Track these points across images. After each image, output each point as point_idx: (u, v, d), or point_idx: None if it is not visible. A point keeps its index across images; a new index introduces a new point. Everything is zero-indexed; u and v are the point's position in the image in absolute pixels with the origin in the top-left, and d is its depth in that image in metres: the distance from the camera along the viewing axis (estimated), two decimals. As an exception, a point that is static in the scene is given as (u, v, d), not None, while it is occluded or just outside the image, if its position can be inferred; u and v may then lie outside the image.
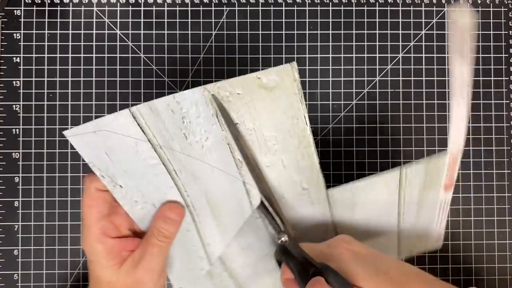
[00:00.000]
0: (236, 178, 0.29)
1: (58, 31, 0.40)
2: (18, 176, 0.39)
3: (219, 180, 0.29)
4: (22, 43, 0.40)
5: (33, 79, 0.40)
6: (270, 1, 0.41)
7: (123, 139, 0.28)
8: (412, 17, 0.41)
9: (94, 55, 0.40)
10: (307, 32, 0.41)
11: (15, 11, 0.40)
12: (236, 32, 0.40)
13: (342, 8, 0.41)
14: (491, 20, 0.41)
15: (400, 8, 0.41)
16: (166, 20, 0.40)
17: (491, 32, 0.41)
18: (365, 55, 0.41)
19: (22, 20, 0.40)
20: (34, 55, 0.40)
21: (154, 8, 0.40)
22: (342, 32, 0.41)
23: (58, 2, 0.40)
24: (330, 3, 0.41)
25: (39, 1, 0.40)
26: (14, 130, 0.40)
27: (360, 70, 0.41)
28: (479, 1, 0.41)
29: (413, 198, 0.33)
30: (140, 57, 0.40)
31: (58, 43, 0.40)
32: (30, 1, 0.40)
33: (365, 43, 0.41)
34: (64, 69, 0.40)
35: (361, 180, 0.32)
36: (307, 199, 0.32)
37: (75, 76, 0.40)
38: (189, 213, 0.31)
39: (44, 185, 0.40)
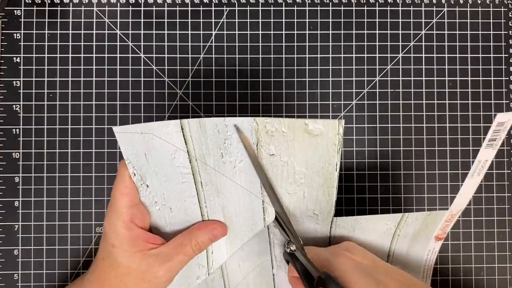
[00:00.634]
0: (257, 197, 0.31)
1: (58, 31, 0.40)
2: (18, 176, 0.40)
3: (240, 197, 0.32)
4: (22, 43, 0.40)
5: (33, 79, 0.40)
6: (270, 1, 0.41)
7: (165, 145, 0.30)
8: (412, 17, 0.41)
9: (94, 55, 0.40)
10: (307, 32, 0.41)
11: (15, 11, 0.40)
12: (236, 32, 0.41)
13: (342, 8, 0.41)
14: (491, 20, 0.41)
15: (400, 8, 0.41)
16: (166, 20, 0.40)
17: (491, 32, 0.41)
18: (365, 55, 0.41)
19: (22, 20, 0.40)
20: (34, 55, 0.40)
21: (154, 8, 0.40)
22: (342, 32, 0.41)
23: (58, 2, 0.40)
24: (330, 3, 0.41)
25: (39, 1, 0.40)
26: (14, 130, 0.40)
27: (360, 70, 0.41)
28: (479, 1, 0.41)
29: (406, 237, 0.35)
30: (140, 57, 0.40)
31: (58, 43, 0.40)
32: (30, 1, 0.40)
33: (365, 43, 0.41)
34: (64, 69, 0.40)
35: (365, 216, 0.34)
36: (314, 220, 0.34)
37: (75, 76, 0.40)
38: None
39: (44, 185, 0.40)
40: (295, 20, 0.41)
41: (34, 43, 0.40)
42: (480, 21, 0.41)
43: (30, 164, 0.39)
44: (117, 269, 0.30)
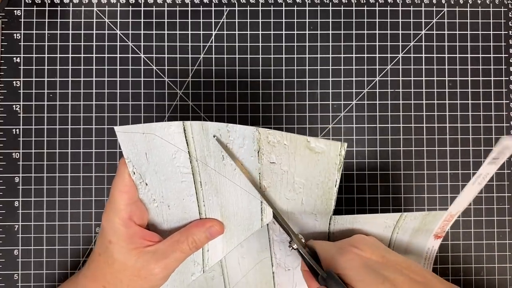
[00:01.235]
0: (256, 198, 0.32)
1: (58, 31, 0.40)
2: (18, 176, 0.40)
3: (239, 197, 0.32)
4: (22, 43, 0.40)
5: (33, 79, 0.40)
6: (270, 1, 0.41)
7: (166, 145, 0.30)
8: (412, 17, 0.41)
9: (94, 55, 0.40)
10: (307, 32, 0.41)
11: (15, 11, 0.40)
12: (236, 32, 0.41)
13: (342, 8, 0.41)
14: (491, 20, 0.41)
15: (400, 8, 0.41)
16: (166, 20, 0.40)
17: (491, 32, 0.41)
18: (365, 55, 0.41)
19: (22, 20, 0.40)
20: (34, 55, 0.40)
21: (154, 9, 0.40)
22: (342, 32, 0.41)
23: (58, 2, 0.40)
24: (330, 3, 0.41)
25: (39, 1, 0.40)
26: (14, 130, 0.40)
27: (360, 70, 0.41)
28: (479, 1, 0.41)
29: (405, 235, 0.35)
30: (140, 57, 0.40)
31: (58, 43, 0.40)
32: (30, 1, 0.40)
33: (365, 43, 0.41)
34: (64, 69, 0.40)
35: (363, 215, 0.34)
36: (313, 218, 0.34)
37: (75, 76, 0.40)
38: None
39: (44, 185, 0.40)
40: (295, 20, 0.41)
41: (34, 43, 0.40)
42: (480, 21, 0.41)
43: (30, 164, 0.39)
44: (113, 265, 0.30)
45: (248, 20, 0.41)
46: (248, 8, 0.41)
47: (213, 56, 0.40)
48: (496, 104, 0.41)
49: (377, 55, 0.41)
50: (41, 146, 0.40)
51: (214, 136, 0.30)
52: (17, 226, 0.39)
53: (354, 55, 0.41)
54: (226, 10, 0.41)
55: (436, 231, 0.34)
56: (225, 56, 0.40)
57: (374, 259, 0.29)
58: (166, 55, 0.40)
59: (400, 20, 0.41)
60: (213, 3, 0.41)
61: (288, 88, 0.41)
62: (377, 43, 0.41)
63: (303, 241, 0.32)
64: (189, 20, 0.40)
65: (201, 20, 0.41)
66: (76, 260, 0.40)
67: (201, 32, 0.40)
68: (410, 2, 0.41)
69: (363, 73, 0.41)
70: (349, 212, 0.40)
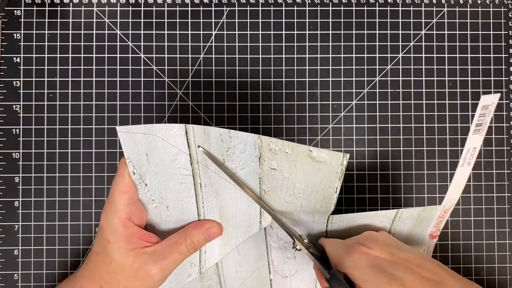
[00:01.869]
0: (255, 201, 0.32)
1: (58, 31, 0.40)
2: (18, 176, 0.40)
3: (238, 199, 0.32)
4: (22, 43, 0.40)
5: (33, 79, 0.40)
6: (270, 1, 0.41)
7: (168, 147, 0.30)
8: (412, 17, 0.41)
9: (94, 55, 0.40)
10: (307, 32, 0.41)
11: (15, 11, 0.40)
12: (236, 32, 0.41)
13: (342, 8, 0.41)
14: (491, 20, 0.41)
15: (400, 8, 0.41)
16: (166, 20, 0.40)
17: (491, 32, 0.41)
18: (365, 55, 0.41)
19: (22, 20, 0.40)
20: (34, 55, 0.40)
21: (154, 8, 0.40)
22: (342, 32, 0.41)
23: (58, 2, 0.40)
24: (330, 3, 0.41)
25: (39, 1, 0.40)
26: (14, 130, 0.40)
27: (360, 70, 0.41)
28: (479, 1, 0.41)
29: (401, 235, 0.35)
30: (140, 57, 0.40)
31: (58, 43, 0.40)
32: (30, 1, 0.40)
33: (365, 43, 0.41)
34: (64, 69, 0.40)
35: (360, 213, 0.34)
36: (311, 219, 0.34)
37: (75, 76, 0.40)
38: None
39: (44, 185, 0.40)
40: (295, 20, 0.41)
41: (34, 43, 0.40)
42: (480, 21, 0.41)
43: (30, 164, 0.39)
44: (110, 265, 0.30)
45: (248, 20, 0.41)
46: (248, 8, 0.41)
47: (213, 56, 0.40)
48: (496, 104, 0.41)
49: (377, 55, 0.41)
50: (41, 146, 0.40)
51: (198, 147, 0.30)
52: (17, 226, 0.39)
53: (354, 55, 0.41)
54: (226, 10, 0.41)
55: (431, 229, 0.34)
56: (225, 56, 0.40)
57: (382, 257, 0.28)
58: (166, 55, 0.40)
59: (400, 20, 0.41)
60: (213, 3, 0.41)
61: (288, 88, 0.41)
62: (377, 43, 0.41)
63: (306, 241, 0.32)
64: (189, 20, 0.40)
65: (201, 20, 0.41)
66: (76, 260, 0.40)
67: (201, 32, 0.40)
68: (410, 2, 0.41)
69: (363, 73, 0.41)
70: (349, 212, 0.40)
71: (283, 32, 0.41)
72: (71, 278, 0.33)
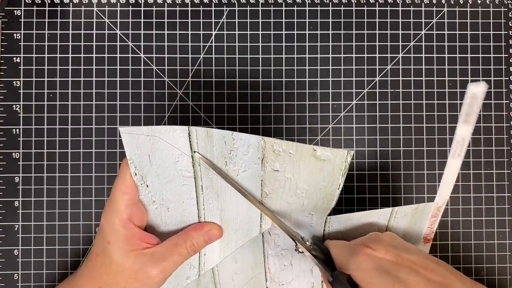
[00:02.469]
0: (256, 207, 0.32)
1: (58, 31, 0.40)
2: (18, 176, 0.40)
3: (239, 202, 0.32)
4: (22, 43, 0.40)
5: (33, 79, 0.40)
6: (270, 1, 0.41)
7: (170, 149, 0.30)
8: (412, 17, 0.41)
9: (94, 55, 0.40)
10: (307, 32, 0.41)
11: (15, 11, 0.40)
12: (236, 32, 0.41)
13: (342, 8, 0.41)
14: (491, 20, 0.41)
15: (400, 8, 0.41)
16: (166, 20, 0.40)
17: (491, 32, 0.41)
18: (365, 55, 0.41)
19: (22, 20, 0.40)
20: (34, 55, 0.40)
21: (154, 8, 0.40)
22: (342, 32, 0.41)
23: (58, 2, 0.40)
24: (330, 3, 0.41)
25: (39, 1, 0.40)
26: (14, 130, 0.40)
27: (360, 70, 0.41)
28: (479, 1, 0.41)
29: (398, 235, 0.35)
30: (140, 57, 0.40)
31: (58, 43, 0.40)
32: (30, 1, 0.40)
33: (365, 43, 0.41)
34: (64, 69, 0.40)
35: (357, 213, 0.34)
36: (309, 222, 0.34)
37: (75, 76, 0.40)
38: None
39: (44, 185, 0.40)
40: (295, 20, 0.41)
41: (34, 43, 0.40)
42: (480, 21, 0.41)
43: (30, 164, 0.39)
44: (110, 266, 0.30)
45: (248, 20, 0.41)
46: (248, 8, 0.41)
47: (213, 56, 0.40)
48: (496, 104, 0.41)
49: (377, 55, 0.41)
50: (41, 146, 0.40)
51: (194, 152, 0.30)
52: (17, 226, 0.39)
53: (354, 55, 0.41)
54: (226, 10, 0.41)
55: (426, 231, 0.34)
56: (225, 56, 0.40)
57: (387, 259, 0.28)
58: (166, 55, 0.40)
59: (400, 20, 0.41)
60: (213, 3, 0.41)
61: (288, 88, 0.41)
62: (377, 43, 0.41)
63: (308, 244, 0.32)
64: (189, 20, 0.40)
65: (201, 20, 0.41)
66: (76, 260, 0.40)
67: (201, 32, 0.40)
68: (410, 2, 0.41)
69: (363, 73, 0.41)
70: (349, 212, 0.40)
71: (283, 32, 0.41)
72: (70, 279, 0.33)
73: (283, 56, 0.41)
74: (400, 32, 0.41)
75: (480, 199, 0.41)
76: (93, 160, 0.40)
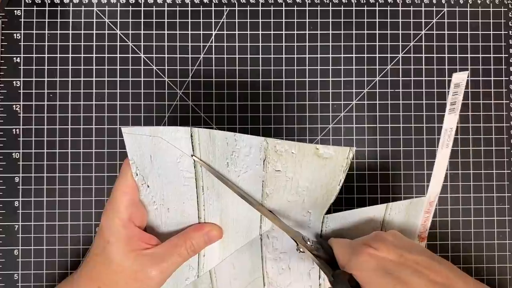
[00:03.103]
0: (256, 209, 0.32)
1: (58, 31, 0.40)
2: (18, 176, 0.40)
3: (240, 203, 0.32)
4: (22, 43, 0.40)
5: (33, 79, 0.40)
6: (270, 1, 0.41)
7: (172, 149, 0.30)
8: (412, 17, 0.41)
9: (94, 55, 0.40)
10: (307, 32, 0.41)
11: (15, 11, 0.40)
12: (236, 32, 0.41)
13: (342, 8, 0.41)
14: (491, 20, 0.41)
15: (400, 8, 0.41)
16: (166, 20, 0.40)
17: (491, 32, 0.41)
18: (365, 55, 0.41)
19: (23, 20, 0.40)
20: (34, 55, 0.40)
21: (154, 8, 0.40)
22: (342, 32, 0.41)
23: (58, 2, 0.40)
24: (330, 3, 0.41)
25: (39, 1, 0.40)
26: (14, 130, 0.40)
27: (360, 70, 0.41)
28: (479, 1, 0.41)
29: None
30: (140, 57, 0.40)
31: (58, 43, 0.40)
32: (30, 1, 0.40)
33: (365, 43, 0.41)
34: (64, 69, 0.40)
35: (352, 210, 0.34)
36: (307, 221, 0.34)
37: (75, 76, 0.40)
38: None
39: (44, 185, 0.40)
40: (295, 20, 0.41)
41: (34, 43, 0.40)
42: (480, 21, 0.41)
43: (30, 164, 0.39)
44: (110, 266, 0.30)
45: (248, 20, 0.41)
46: (248, 8, 0.41)
47: (213, 56, 0.40)
48: (496, 104, 0.41)
49: (377, 55, 0.41)
50: (41, 146, 0.40)
51: (191, 155, 0.30)
52: (17, 226, 0.39)
53: (354, 55, 0.41)
54: (226, 10, 0.41)
55: (420, 229, 0.34)
56: (225, 56, 0.40)
57: (390, 259, 0.28)
58: (166, 55, 0.40)
59: (400, 20, 0.41)
60: (213, 3, 0.41)
61: (288, 88, 0.41)
62: (377, 43, 0.41)
63: (309, 243, 0.31)
64: (189, 20, 0.40)
65: (201, 20, 0.41)
66: (76, 260, 0.40)
67: (201, 32, 0.40)
68: (410, 2, 0.41)
69: (363, 73, 0.41)
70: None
71: (283, 32, 0.41)
72: (69, 279, 0.33)
73: (283, 56, 0.41)
74: (400, 32, 0.41)
75: (480, 199, 0.41)
76: (93, 160, 0.40)
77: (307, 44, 0.41)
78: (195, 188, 0.32)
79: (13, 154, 0.40)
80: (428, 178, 0.41)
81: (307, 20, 0.41)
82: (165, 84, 0.40)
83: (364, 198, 0.40)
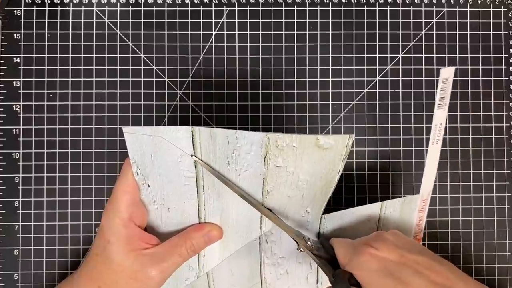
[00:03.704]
0: (256, 209, 0.32)
1: (58, 31, 0.40)
2: (18, 176, 0.40)
3: (240, 203, 0.32)
4: (22, 43, 0.40)
5: (33, 79, 0.40)
6: (270, 1, 0.41)
7: (173, 149, 0.30)
8: (412, 17, 0.41)
9: (94, 55, 0.40)
10: (307, 32, 0.41)
11: (15, 11, 0.40)
12: (236, 32, 0.41)
13: (342, 8, 0.41)
14: (491, 20, 0.41)
15: (400, 8, 0.41)
16: (166, 20, 0.40)
17: (491, 32, 0.41)
18: (365, 55, 0.41)
19: (22, 20, 0.40)
20: (34, 55, 0.40)
21: (154, 8, 0.40)
22: (342, 32, 0.41)
23: (58, 2, 0.40)
24: (330, 3, 0.41)
25: (39, 1, 0.40)
26: (14, 130, 0.40)
27: (360, 70, 0.41)
28: (479, 1, 0.41)
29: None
30: (140, 57, 0.40)
31: (58, 43, 0.40)
32: (30, 1, 0.40)
33: (365, 43, 0.41)
34: (64, 69, 0.40)
35: (349, 209, 0.34)
36: (305, 221, 0.34)
37: (75, 76, 0.40)
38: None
39: (44, 185, 0.40)
40: (295, 20, 0.41)
41: (34, 43, 0.40)
42: (480, 21, 0.41)
43: (30, 164, 0.39)
44: (110, 266, 0.30)
45: (248, 20, 0.41)
46: (248, 8, 0.41)
47: (213, 56, 0.40)
48: (496, 104, 0.41)
49: (377, 55, 0.41)
50: (41, 146, 0.40)
51: (192, 156, 0.30)
52: (17, 226, 0.39)
53: (354, 55, 0.41)
54: (226, 10, 0.41)
55: (415, 230, 0.34)
56: (225, 56, 0.40)
57: (390, 259, 0.27)
58: (166, 55, 0.40)
59: (400, 20, 0.41)
60: (213, 3, 0.41)
61: (288, 88, 0.41)
62: (377, 43, 0.41)
63: (309, 243, 0.31)
64: (189, 20, 0.40)
65: (201, 20, 0.41)
66: (76, 260, 0.40)
67: (201, 32, 0.40)
68: (410, 2, 0.41)
69: (363, 73, 0.41)
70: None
71: (283, 32, 0.41)
72: (70, 279, 0.33)
73: (283, 56, 0.41)
74: (400, 32, 0.41)
75: (480, 199, 0.41)
76: (93, 160, 0.40)
77: (307, 44, 0.41)
78: (195, 187, 0.32)
79: (13, 154, 0.40)
80: (428, 178, 0.41)
81: (307, 20, 0.41)
82: (165, 84, 0.40)
83: (364, 198, 0.40)
